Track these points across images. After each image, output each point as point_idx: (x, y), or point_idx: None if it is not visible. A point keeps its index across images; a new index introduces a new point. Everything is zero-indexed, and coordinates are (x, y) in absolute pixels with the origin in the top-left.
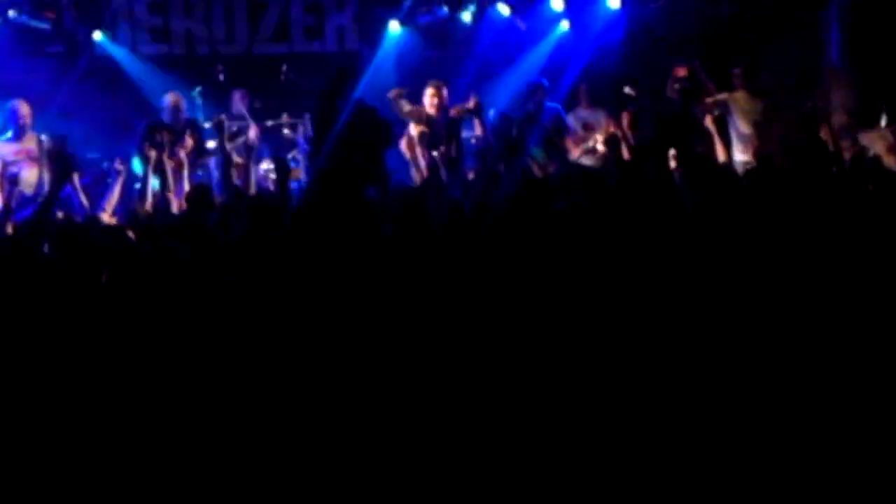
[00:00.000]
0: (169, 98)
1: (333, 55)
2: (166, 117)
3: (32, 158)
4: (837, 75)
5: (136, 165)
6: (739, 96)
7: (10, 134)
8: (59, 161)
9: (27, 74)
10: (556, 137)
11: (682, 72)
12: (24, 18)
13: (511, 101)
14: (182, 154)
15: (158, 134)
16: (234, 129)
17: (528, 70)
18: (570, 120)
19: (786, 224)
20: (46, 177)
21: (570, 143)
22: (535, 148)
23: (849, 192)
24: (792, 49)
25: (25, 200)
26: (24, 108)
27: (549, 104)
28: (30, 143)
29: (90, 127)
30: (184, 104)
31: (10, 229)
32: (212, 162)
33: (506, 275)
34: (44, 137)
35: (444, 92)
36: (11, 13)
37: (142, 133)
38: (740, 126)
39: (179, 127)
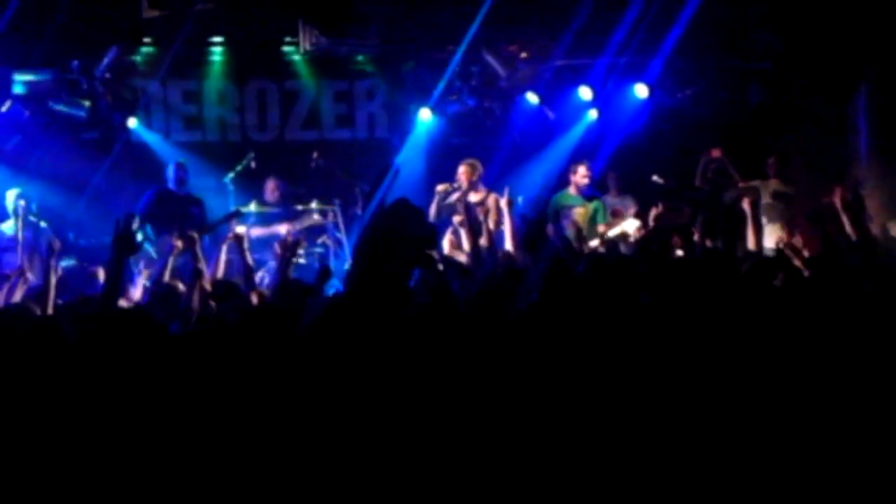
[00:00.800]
0: (174, 168)
1: (364, 142)
2: (172, 186)
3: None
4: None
5: (141, 233)
6: (772, 184)
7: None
8: (122, 240)
9: (62, 160)
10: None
11: (716, 153)
12: (61, 106)
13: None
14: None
15: (165, 203)
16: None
17: (557, 158)
18: None
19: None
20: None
21: (598, 227)
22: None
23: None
24: (818, 138)
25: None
26: (15, 195)
27: (588, 191)
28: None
29: (123, 210)
30: (187, 175)
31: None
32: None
33: (543, 359)
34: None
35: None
36: (49, 102)
37: (148, 200)
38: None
39: (183, 197)
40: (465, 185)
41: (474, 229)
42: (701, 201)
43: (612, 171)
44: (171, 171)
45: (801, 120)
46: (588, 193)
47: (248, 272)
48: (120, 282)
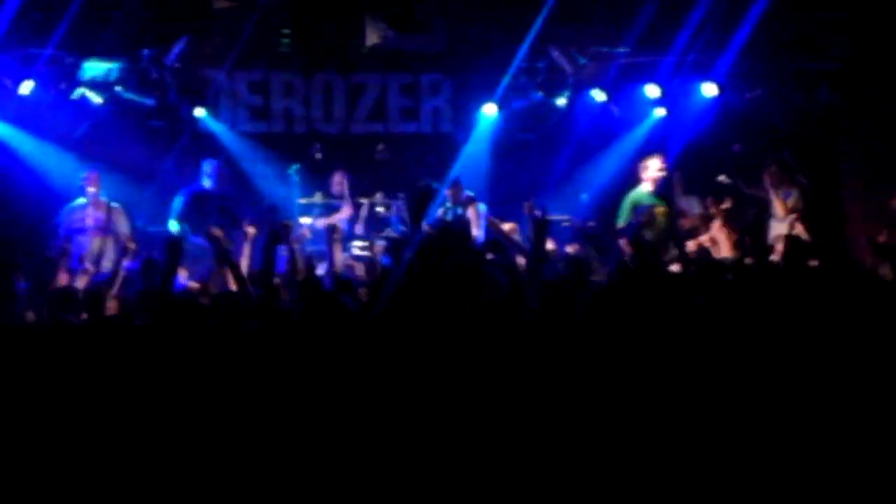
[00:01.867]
0: (209, 166)
1: (428, 136)
2: (207, 185)
3: (98, 227)
4: None
5: (174, 226)
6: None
7: (81, 200)
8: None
9: (130, 148)
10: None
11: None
12: (130, 94)
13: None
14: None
15: (202, 202)
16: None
17: (623, 155)
18: None
19: None
20: (109, 246)
21: None
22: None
23: None
24: (888, 141)
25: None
26: (93, 177)
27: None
28: (99, 210)
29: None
30: (226, 173)
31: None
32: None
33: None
34: (114, 205)
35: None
36: (118, 88)
37: (184, 200)
38: None
39: (217, 195)
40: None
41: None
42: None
43: (678, 172)
44: (207, 170)
45: (871, 122)
46: (662, 191)
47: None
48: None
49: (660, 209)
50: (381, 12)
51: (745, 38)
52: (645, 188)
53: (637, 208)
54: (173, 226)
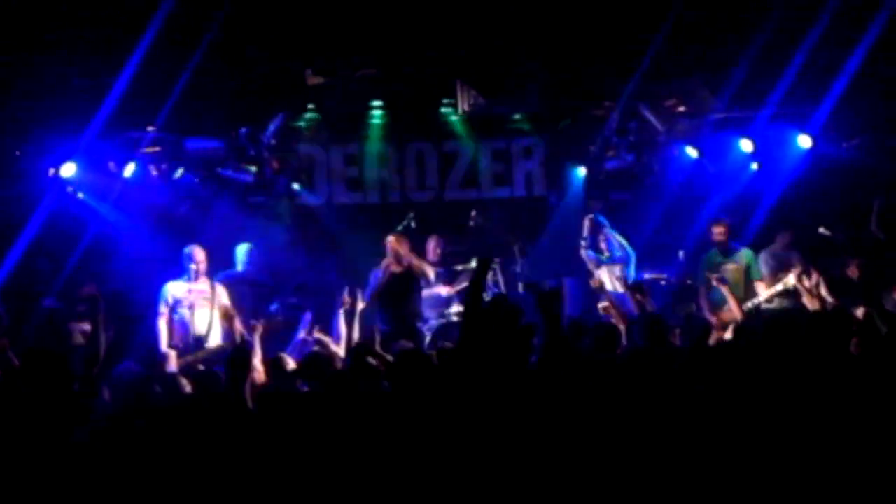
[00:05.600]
0: (245, 250)
1: (522, 200)
2: (244, 269)
3: (205, 299)
4: None
5: None
6: None
7: (185, 278)
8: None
9: (231, 224)
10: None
11: None
12: (230, 172)
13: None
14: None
15: (235, 285)
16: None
17: (718, 211)
18: (763, 259)
19: None
20: (216, 320)
21: (760, 285)
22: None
23: None
24: None
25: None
26: (198, 254)
27: (738, 245)
28: (203, 285)
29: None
30: (258, 256)
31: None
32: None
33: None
34: (217, 283)
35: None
36: (218, 167)
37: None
38: None
39: (255, 280)
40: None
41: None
42: (871, 251)
43: (787, 229)
44: (240, 254)
45: None
46: (733, 248)
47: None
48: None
49: (730, 267)
50: (471, 79)
51: (841, 89)
52: (716, 249)
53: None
54: None
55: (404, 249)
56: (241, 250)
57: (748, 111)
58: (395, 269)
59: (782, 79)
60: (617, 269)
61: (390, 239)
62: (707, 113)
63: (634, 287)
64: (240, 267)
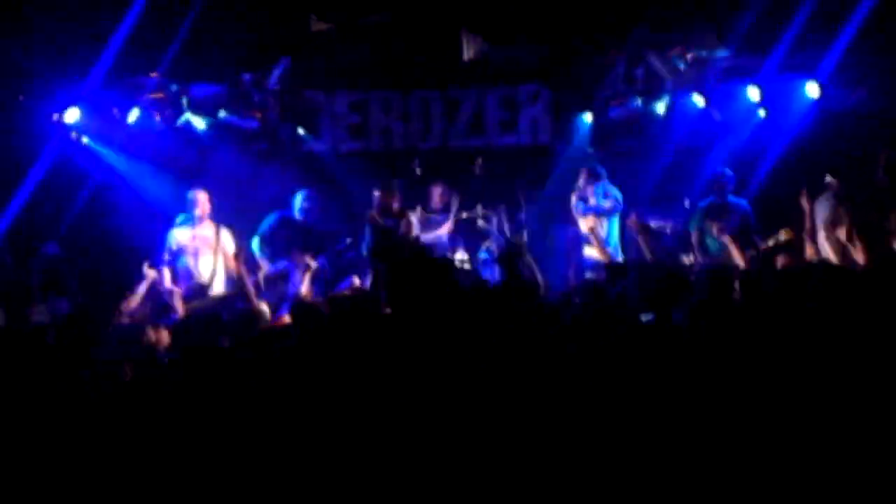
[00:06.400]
0: (302, 198)
1: (527, 147)
2: (296, 215)
3: (209, 245)
4: None
5: (255, 243)
6: None
7: (181, 218)
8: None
9: (235, 170)
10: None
11: None
12: (234, 118)
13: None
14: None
15: (287, 229)
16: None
17: (724, 159)
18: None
19: None
20: (220, 266)
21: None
22: (710, 239)
23: None
24: None
25: (198, 288)
26: (201, 198)
27: (737, 199)
28: (207, 231)
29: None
30: (316, 205)
31: None
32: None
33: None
34: (222, 226)
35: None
36: (222, 113)
37: (274, 223)
38: None
39: (303, 226)
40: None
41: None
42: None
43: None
44: (298, 200)
45: None
46: (732, 200)
47: None
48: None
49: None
50: (477, 26)
51: (850, 36)
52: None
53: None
54: (255, 243)
55: (391, 201)
56: (299, 195)
57: (755, 59)
58: (382, 221)
59: (790, 26)
60: (602, 221)
61: (375, 193)
62: (714, 60)
63: (642, 226)
64: (296, 211)
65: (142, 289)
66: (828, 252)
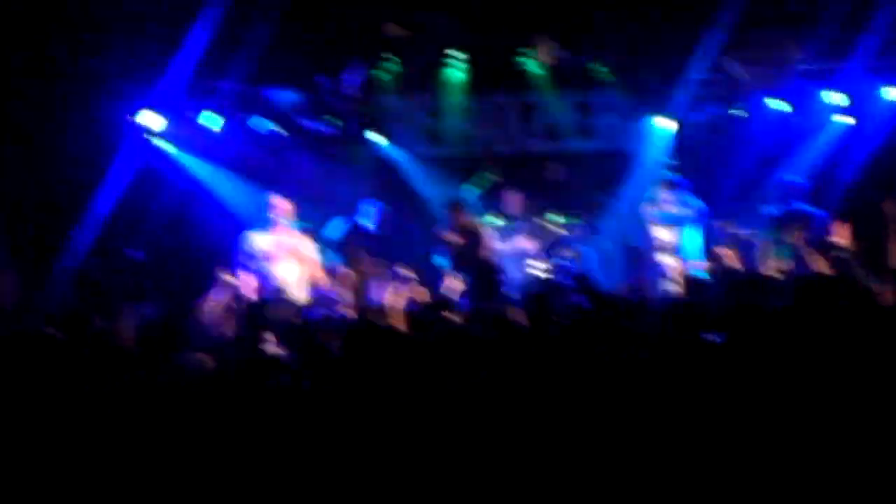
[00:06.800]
0: (376, 210)
1: (603, 153)
2: (368, 224)
3: (287, 251)
4: None
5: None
6: None
7: (266, 228)
8: None
9: (310, 175)
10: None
11: None
12: (311, 123)
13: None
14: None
15: (359, 238)
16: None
17: (806, 164)
18: None
19: None
20: (297, 272)
21: None
22: (785, 248)
23: None
24: None
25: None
26: (279, 203)
27: (811, 208)
28: (285, 236)
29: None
30: (390, 217)
31: None
32: None
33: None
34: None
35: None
36: (299, 118)
37: (345, 231)
38: None
39: (374, 236)
40: None
41: None
42: None
43: None
44: (367, 209)
45: None
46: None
47: None
48: None
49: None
50: (552, 31)
51: None
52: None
53: None
54: (323, 249)
55: (463, 219)
56: (370, 206)
57: (836, 62)
58: (457, 240)
59: (871, 30)
60: (675, 231)
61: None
62: (794, 64)
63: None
64: (366, 220)
65: (221, 295)
66: None
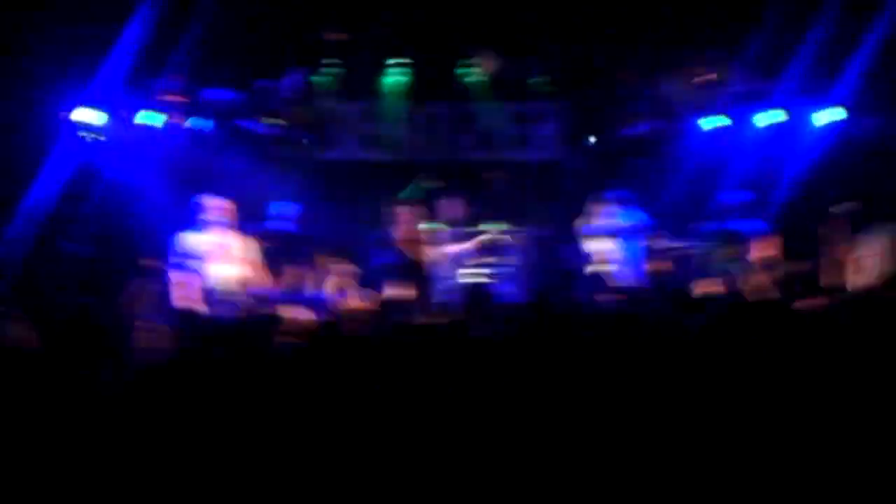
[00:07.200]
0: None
1: (537, 164)
2: (290, 226)
3: (220, 252)
4: None
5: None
6: None
7: (198, 228)
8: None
9: (246, 177)
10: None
11: None
12: (248, 124)
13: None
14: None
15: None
16: None
17: (738, 184)
18: None
19: None
20: (229, 273)
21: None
22: (730, 262)
23: None
24: None
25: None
26: (211, 203)
27: (754, 222)
28: (217, 237)
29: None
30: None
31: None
32: None
33: None
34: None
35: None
36: (235, 118)
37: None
38: None
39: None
40: None
41: None
42: None
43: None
44: (283, 210)
45: None
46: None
47: None
48: None
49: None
50: (492, 41)
51: (866, 60)
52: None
53: None
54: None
55: (410, 222)
56: (278, 205)
57: (772, 83)
58: (408, 244)
59: (807, 50)
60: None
61: (402, 209)
62: (729, 83)
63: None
64: (284, 222)
65: (141, 286)
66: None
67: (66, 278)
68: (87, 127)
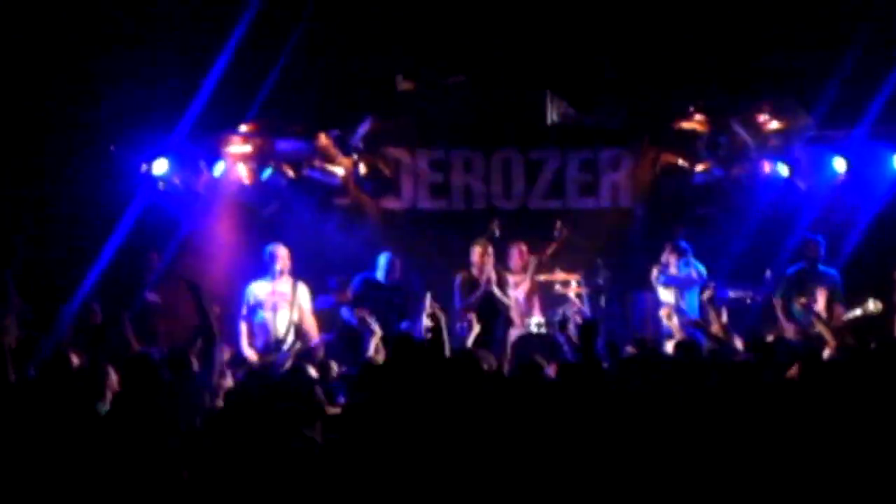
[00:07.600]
0: (386, 260)
1: (607, 211)
2: (380, 276)
3: (286, 300)
4: None
5: (346, 312)
6: None
7: (268, 278)
8: None
9: (317, 225)
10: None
11: None
12: (317, 174)
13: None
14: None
15: (372, 290)
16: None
17: (808, 229)
18: None
19: None
20: (298, 320)
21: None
22: (797, 308)
23: None
24: None
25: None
26: (281, 253)
27: (826, 268)
28: (285, 286)
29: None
30: (399, 265)
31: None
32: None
33: None
34: (299, 282)
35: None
36: (305, 169)
37: (357, 286)
38: None
39: (388, 286)
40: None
41: None
42: None
43: None
44: (381, 262)
45: None
46: (823, 270)
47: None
48: None
49: (818, 288)
50: (562, 90)
51: None
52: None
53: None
54: (345, 312)
55: (490, 260)
56: (382, 258)
57: (842, 129)
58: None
59: (877, 96)
60: (683, 293)
61: (477, 250)
62: (800, 129)
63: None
64: (378, 272)
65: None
66: None
67: (145, 326)
68: (166, 178)
